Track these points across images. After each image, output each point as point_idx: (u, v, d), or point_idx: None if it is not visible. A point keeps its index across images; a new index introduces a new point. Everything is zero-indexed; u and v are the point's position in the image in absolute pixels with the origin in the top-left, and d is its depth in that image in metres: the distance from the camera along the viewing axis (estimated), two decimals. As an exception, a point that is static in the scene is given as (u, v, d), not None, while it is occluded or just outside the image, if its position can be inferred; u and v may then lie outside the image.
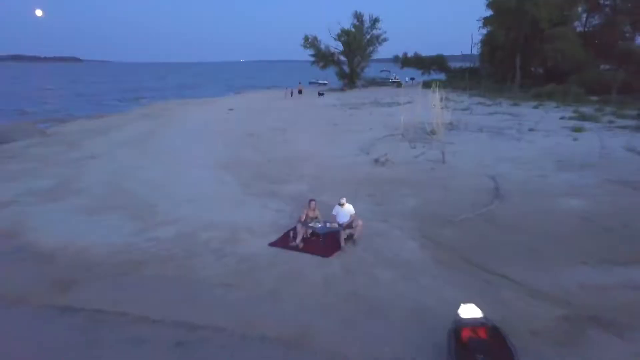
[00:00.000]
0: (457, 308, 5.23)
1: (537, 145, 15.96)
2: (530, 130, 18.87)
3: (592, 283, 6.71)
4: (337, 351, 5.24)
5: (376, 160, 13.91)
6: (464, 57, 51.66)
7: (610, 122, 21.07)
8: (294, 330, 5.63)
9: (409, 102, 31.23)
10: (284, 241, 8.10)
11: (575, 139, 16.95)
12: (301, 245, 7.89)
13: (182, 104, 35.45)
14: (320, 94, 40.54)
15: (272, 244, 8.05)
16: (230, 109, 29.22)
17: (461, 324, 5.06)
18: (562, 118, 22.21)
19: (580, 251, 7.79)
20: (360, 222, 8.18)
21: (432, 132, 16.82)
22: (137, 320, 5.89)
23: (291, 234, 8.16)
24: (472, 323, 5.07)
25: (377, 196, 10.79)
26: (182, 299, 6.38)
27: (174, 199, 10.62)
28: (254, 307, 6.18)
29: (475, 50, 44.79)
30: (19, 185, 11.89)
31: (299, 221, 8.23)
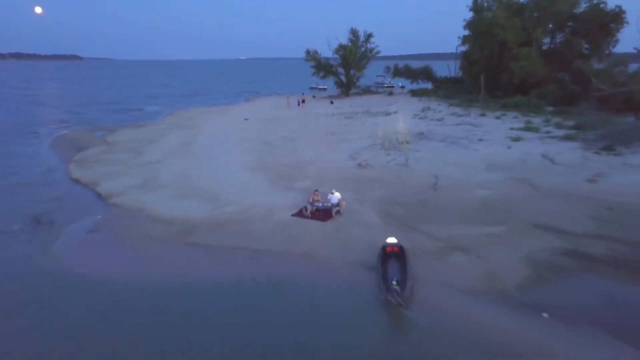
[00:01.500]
0: (387, 239, 11.17)
1: (479, 153, 21.82)
2: (480, 140, 24.71)
3: (464, 232, 12.60)
4: (328, 258, 11.16)
5: (359, 165, 19.80)
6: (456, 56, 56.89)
7: (547, 132, 26.92)
8: (306, 251, 11.55)
9: (395, 112, 37.24)
10: (299, 213, 13.98)
11: (509, 147, 22.82)
12: (310, 215, 13.76)
13: (202, 112, 41.24)
14: (331, 102, 46.74)
15: (293, 215, 13.93)
16: (246, 119, 35.04)
17: (386, 244, 10.99)
18: (511, 129, 28.02)
19: (469, 219, 13.66)
20: (343, 203, 14.07)
21: (404, 142, 22.68)
22: (229, 247, 11.81)
23: (303, 209, 14.04)
24: (391, 244, 10.98)
25: (357, 189, 16.63)
26: (248, 239, 12.28)
27: (227, 190, 16.49)
28: (285, 243, 12.08)
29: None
30: (117, 183, 17.74)
31: (308, 202, 14.09)
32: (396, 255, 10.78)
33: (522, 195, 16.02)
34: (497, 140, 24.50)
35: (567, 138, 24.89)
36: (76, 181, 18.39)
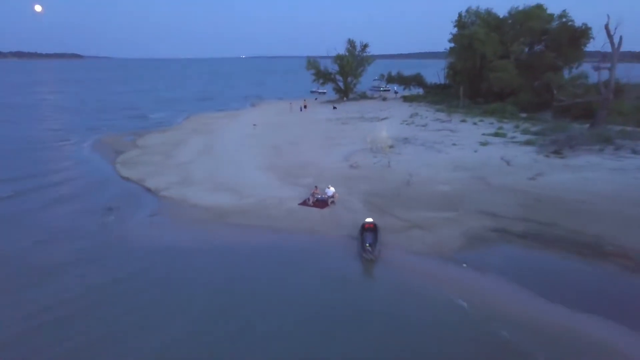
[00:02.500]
0: (366, 219, 16.03)
1: (449, 156, 26.61)
2: (453, 144, 29.49)
3: (424, 216, 17.41)
4: (324, 233, 16.00)
5: (350, 165, 24.60)
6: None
7: (513, 137, 31.69)
8: (309, 228, 16.39)
9: (386, 118, 42.04)
10: (304, 203, 18.78)
11: (475, 151, 27.62)
12: (312, 204, 18.56)
13: (215, 118, 46.03)
14: (334, 107, 51.47)
15: (299, 204, 18.74)
16: (255, 125, 39.81)
17: (365, 222, 15.83)
18: (483, 134, 32.79)
19: (429, 207, 18.45)
20: (337, 195, 18.88)
21: (388, 147, 27.46)
22: (254, 226, 16.63)
23: (307, 200, 18.84)
24: (368, 222, 15.83)
25: (348, 184, 21.42)
26: (267, 220, 17.10)
27: (247, 185, 21.28)
28: (294, 223, 16.90)
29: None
30: (160, 180, 22.52)
31: (310, 195, 18.90)
32: (371, 229, 15.57)
33: (475, 190, 20.82)
34: (468, 145, 29.28)
35: (527, 143, 29.66)
36: (127, 179, 23.22)
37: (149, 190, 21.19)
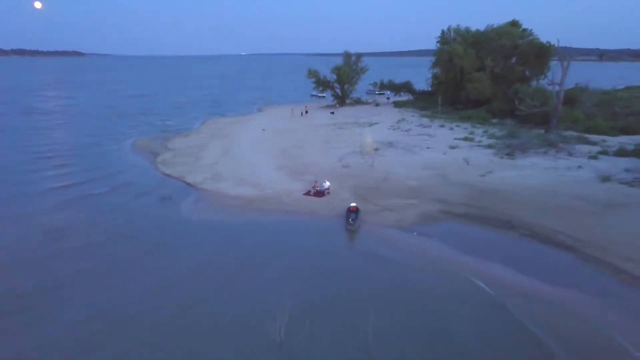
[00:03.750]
0: (351, 203, 22.87)
1: (422, 157, 33.32)
2: (427, 148, 36.20)
3: (394, 202, 24.17)
4: (321, 214, 22.82)
5: (343, 166, 31.32)
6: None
7: (479, 142, 38.37)
8: (311, 211, 23.21)
9: (376, 123, 48.76)
10: (307, 193, 25.54)
11: (444, 153, 34.32)
12: (313, 194, 25.32)
13: (228, 123, 52.74)
14: (332, 113, 58.11)
15: (303, 194, 25.50)
16: (263, 129, 46.49)
17: (350, 206, 22.64)
18: (455, 139, 39.49)
19: (399, 196, 25.20)
20: (331, 188, 25.66)
21: (373, 150, 34.16)
22: (272, 209, 23.44)
23: (309, 191, 25.61)
24: (352, 206, 22.66)
25: (340, 180, 28.12)
26: (280, 205, 23.89)
27: (264, 181, 28.01)
28: (300, 207, 23.69)
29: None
30: (196, 176, 29.27)
31: (312, 187, 25.67)
32: (354, 211, 22.28)
33: (436, 184, 27.54)
34: (439, 148, 36.00)
35: (488, 146, 36.38)
36: (168, 176, 29.96)
37: (189, 184, 27.95)
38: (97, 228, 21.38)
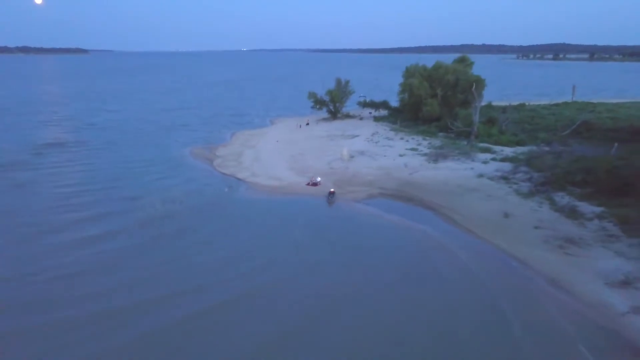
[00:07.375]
0: (330, 189, 43.31)
1: (379, 162, 53.33)
2: (384, 155, 56.19)
3: (356, 189, 44.35)
4: (315, 195, 43.13)
5: (330, 167, 51.36)
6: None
7: (421, 151, 58.27)
8: (310, 193, 43.52)
9: (357, 136, 69.10)
10: (308, 184, 45.76)
11: (394, 159, 54.34)
12: (311, 185, 45.49)
13: (251, 135, 72.62)
14: (307, 124, 78.27)
15: (306, 184, 45.69)
16: (277, 141, 66.54)
17: (330, 190, 42.96)
18: (406, 149, 59.41)
19: (360, 185, 45.35)
20: (321, 181, 45.89)
21: (349, 157, 54.26)
22: (288, 193, 43.74)
23: (309, 182, 45.80)
24: (331, 190, 42.99)
25: (327, 176, 48.13)
26: (293, 192, 44.18)
27: (283, 176, 48.11)
28: (304, 191, 43.95)
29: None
30: (242, 174, 49.44)
31: (310, 180, 45.90)
32: (332, 193, 42.33)
33: (382, 179, 47.56)
34: (392, 156, 56.00)
35: (424, 155, 56.37)
36: (224, 174, 50.07)
37: (239, 179, 48.08)
38: (199, 202, 41.55)
